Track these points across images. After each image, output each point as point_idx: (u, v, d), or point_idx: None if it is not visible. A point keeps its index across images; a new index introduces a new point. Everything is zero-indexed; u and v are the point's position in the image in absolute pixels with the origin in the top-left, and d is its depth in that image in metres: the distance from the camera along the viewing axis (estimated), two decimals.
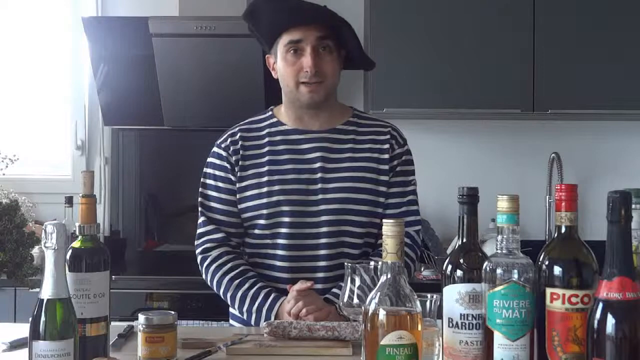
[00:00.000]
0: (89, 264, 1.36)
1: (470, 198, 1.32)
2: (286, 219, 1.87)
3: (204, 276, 1.94)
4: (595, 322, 1.13)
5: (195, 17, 3.08)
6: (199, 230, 1.95)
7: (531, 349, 1.24)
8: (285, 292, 1.82)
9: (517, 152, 3.48)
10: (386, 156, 1.92)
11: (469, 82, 3.13)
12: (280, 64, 1.89)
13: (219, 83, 3.16)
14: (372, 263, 1.49)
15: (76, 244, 1.38)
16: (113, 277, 2.46)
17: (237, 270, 1.87)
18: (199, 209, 1.97)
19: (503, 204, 1.27)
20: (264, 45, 1.95)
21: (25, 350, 1.27)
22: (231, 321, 2.00)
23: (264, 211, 1.87)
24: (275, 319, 1.78)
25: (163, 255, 3.45)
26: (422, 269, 3.06)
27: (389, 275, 1.19)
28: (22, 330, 1.44)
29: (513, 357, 1.23)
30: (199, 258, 1.94)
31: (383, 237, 1.20)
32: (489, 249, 1.47)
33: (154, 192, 3.50)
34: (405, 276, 1.20)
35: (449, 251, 2.33)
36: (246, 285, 1.85)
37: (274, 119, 1.97)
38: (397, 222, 1.19)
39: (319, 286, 1.83)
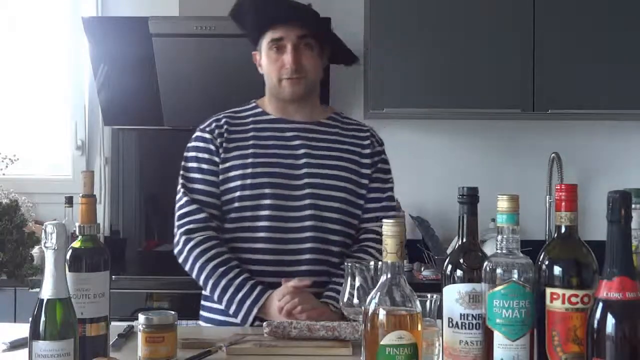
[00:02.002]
0: (89, 264, 1.36)
1: (470, 198, 1.32)
2: (268, 201, 1.88)
3: (182, 258, 1.91)
4: (595, 322, 1.13)
5: (195, 17, 3.08)
6: (181, 211, 1.93)
7: (531, 349, 1.24)
8: (275, 285, 1.82)
9: (517, 152, 3.48)
10: (368, 151, 1.99)
11: (469, 82, 3.13)
12: (264, 60, 1.96)
13: (219, 83, 3.16)
14: (372, 263, 1.49)
15: (76, 244, 1.38)
16: (113, 277, 2.46)
17: (221, 258, 1.86)
18: (181, 190, 1.95)
19: (503, 204, 1.27)
20: (251, 41, 2.01)
21: (25, 350, 1.27)
22: (201, 322, 1.98)
23: (247, 192, 1.89)
24: (259, 312, 1.79)
25: (163, 255, 3.44)
26: (422, 269, 3.06)
27: (389, 275, 1.19)
28: (22, 330, 1.44)
29: (513, 357, 1.23)
30: (182, 238, 1.90)
31: (383, 237, 1.20)
32: (489, 249, 1.47)
33: (154, 192, 3.50)
34: (405, 276, 1.21)
35: (449, 251, 2.32)
36: (231, 274, 1.84)
37: (259, 109, 2.01)
38: (397, 222, 1.19)
39: (303, 268, 1.85)
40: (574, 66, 3.12)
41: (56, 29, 3.54)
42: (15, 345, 1.52)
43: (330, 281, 1.88)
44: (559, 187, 1.27)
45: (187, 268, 1.91)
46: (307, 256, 1.87)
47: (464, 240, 1.33)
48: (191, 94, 3.22)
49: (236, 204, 1.90)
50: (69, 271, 1.33)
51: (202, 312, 1.99)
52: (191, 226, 1.90)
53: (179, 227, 1.92)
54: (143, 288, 2.89)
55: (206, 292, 1.91)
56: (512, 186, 3.21)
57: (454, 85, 3.13)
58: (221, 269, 1.85)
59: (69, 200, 3.07)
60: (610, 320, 1.11)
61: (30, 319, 1.24)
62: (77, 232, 1.39)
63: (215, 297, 1.86)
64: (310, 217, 1.89)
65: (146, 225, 3.52)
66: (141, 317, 1.41)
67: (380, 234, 1.90)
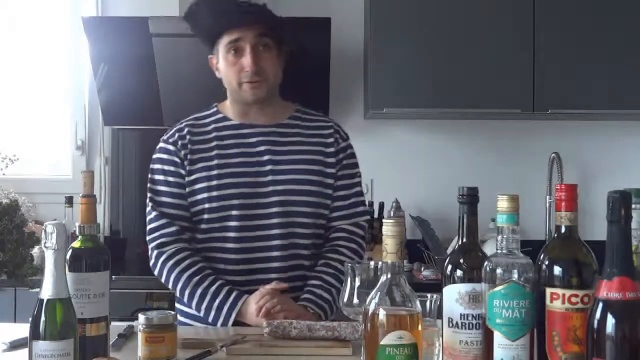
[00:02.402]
0: (89, 264, 1.36)
1: (470, 198, 1.32)
2: (235, 212, 1.87)
3: (157, 271, 1.92)
4: (595, 322, 1.13)
5: None
6: (151, 225, 1.95)
7: (531, 349, 1.24)
8: (250, 293, 1.82)
9: (517, 152, 3.48)
10: (332, 149, 1.97)
11: (469, 82, 3.13)
12: (222, 64, 1.94)
13: (219, 83, 3.15)
14: (372, 263, 1.49)
15: (76, 244, 1.38)
16: (113, 277, 2.46)
17: (195, 267, 1.86)
18: (149, 204, 1.97)
19: (503, 204, 1.27)
20: (206, 45, 1.99)
21: (25, 350, 1.27)
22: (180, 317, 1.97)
23: (214, 204, 1.88)
24: (237, 316, 1.79)
25: None
26: (422, 269, 3.06)
27: (389, 275, 1.19)
28: (22, 330, 1.44)
29: (513, 357, 1.23)
30: (154, 253, 1.92)
31: (383, 237, 1.20)
32: (489, 249, 1.47)
33: None
34: (405, 276, 1.21)
35: (449, 251, 2.32)
36: (206, 283, 1.84)
37: (220, 115, 2.00)
38: (397, 222, 1.20)
39: (273, 276, 1.85)
40: (574, 66, 3.12)
41: (56, 29, 3.55)
42: (15, 345, 1.52)
43: (305, 284, 1.88)
44: (559, 187, 1.27)
45: (163, 281, 1.92)
46: (277, 264, 1.87)
47: (464, 240, 1.32)
48: (191, 94, 3.21)
49: (204, 216, 1.89)
50: (69, 271, 1.33)
51: (178, 305, 1.98)
52: (162, 240, 1.91)
53: (150, 241, 1.94)
54: (143, 288, 2.89)
55: (183, 300, 1.89)
56: (512, 186, 3.21)
57: (453, 85, 3.14)
58: (196, 279, 1.85)
59: (69, 200, 3.07)
60: (610, 320, 1.11)
61: (30, 319, 1.23)
62: (77, 232, 1.39)
63: (193, 306, 1.86)
64: (278, 224, 1.87)
65: (146, 225, 3.51)
66: (141, 317, 1.41)
67: (349, 232, 1.92)
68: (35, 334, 1.22)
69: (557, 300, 1.23)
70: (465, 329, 1.28)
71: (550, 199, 3.37)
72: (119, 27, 3.19)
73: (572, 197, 1.26)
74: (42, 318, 1.22)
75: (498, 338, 1.23)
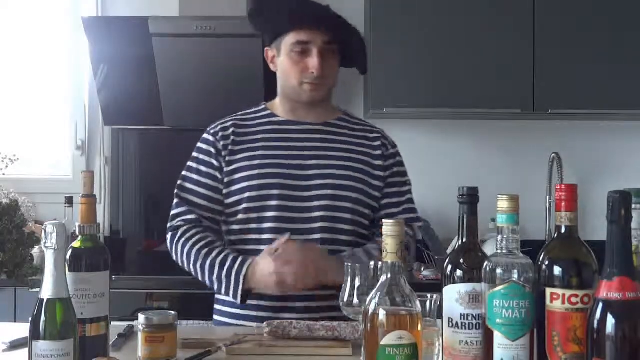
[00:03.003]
0: (89, 264, 1.36)
1: (470, 198, 1.32)
2: (274, 203, 1.86)
3: (173, 255, 1.92)
4: (595, 322, 1.13)
5: (195, 17, 3.08)
6: (172, 212, 1.94)
7: (531, 349, 1.24)
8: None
9: (517, 152, 3.48)
10: (378, 152, 1.97)
11: (469, 82, 3.13)
12: (284, 60, 1.91)
13: (219, 83, 3.16)
14: (372, 263, 1.49)
15: (76, 244, 1.38)
16: (113, 277, 2.46)
17: (205, 241, 1.86)
18: (175, 191, 1.96)
19: (503, 204, 1.27)
20: (265, 37, 1.98)
21: (25, 350, 1.27)
22: (216, 317, 1.98)
23: (254, 193, 1.87)
24: (247, 283, 1.77)
25: (163, 255, 3.42)
26: (422, 269, 3.06)
27: (389, 275, 1.19)
28: (22, 330, 1.44)
29: (513, 357, 1.23)
30: (168, 236, 1.92)
31: (383, 237, 1.20)
32: (489, 249, 1.47)
33: (154, 192, 3.50)
34: (405, 276, 1.20)
35: (449, 251, 2.33)
36: (214, 253, 1.84)
37: (268, 111, 2.00)
38: (397, 222, 1.19)
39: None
40: (574, 66, 3.12)
41: (56, 29, 3.55)
42: (15, 345, 1.52)
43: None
44: (559, 187, 1.27)
45: (179, 263, 1.91)
46: None
47: (464, 240, 1.33)
48: (191, 94, 3.22)
49: (242, 205, 1.88)
50: (69, 271, 1.33)
51: (215, 316, 1.98)
52: (178, 224, 1.91)
53: (169, 227, 1.94)
54: (143, 288, 2.89)
55: (200, 279, 1.88)
56: (512, 186, 3.20)
57: (453, 85, 3.13)
58: (204, 251, 1.85)
59: (69, 200, 3.07)
60: (610, 320, 1.11)
61: (30, 319, 1.23)
62: (77, 232, 1.39)
63: (206, 281, 1.85)
64: (320, 218, 1.86)
65: (146, 225, 3.52)
66: (141, 317, 1.41)
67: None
68: (35, 334, 1.22)
69: (557, 300, 1.23)
70: (465, 329, 1.28)
71: (550, 199, 3.37)
72: (119, 27, 3.19)
73: (572, 197, 1.26)
74: (42, 318, 1.22)
75: (498, 338, 1.23)
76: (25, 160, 3.34)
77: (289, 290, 1.75)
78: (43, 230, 1.24)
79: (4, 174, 3.15)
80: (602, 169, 3.44)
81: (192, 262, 1.87)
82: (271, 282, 1.74)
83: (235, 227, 1.92)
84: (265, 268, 1.75)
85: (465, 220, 1.32)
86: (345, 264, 1.53)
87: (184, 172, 1.97)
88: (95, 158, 3.50)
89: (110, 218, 3.47)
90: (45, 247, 1.24)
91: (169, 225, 1.94)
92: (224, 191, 1.91)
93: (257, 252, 1.83)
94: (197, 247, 1.86)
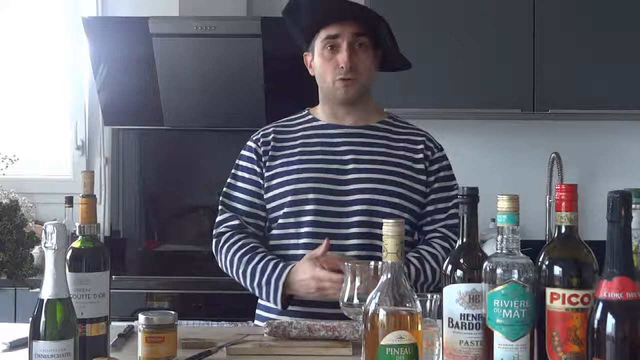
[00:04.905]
0: (89, 264, 1.36)
1: (470, 198, 1.32)
2: (310, 207, 1.85)
3: (218, 262, 1.92)
4: (595, 322, 1.13)
5: (195, 17, 3.09)
6: (217, 219, 1.95)
7: (531, 349, 1.24)
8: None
9: (517, 152, 3.48)
10: (420, 156, 1.93)
11: (469, 82, 3.13)
12: (317, 60, 1.91)
13: (219, 83, 3.16)
14: (372, 263, 1.49)
15: (76, 244, 1.38)
16: (113, 277, 2.46)
17: (247, 247, 1.86)
18: (220, 198, 1.97)
19: (503, 204, 1.27)
20: (301, 42, 1.97)
21: (25, 350, 1.27)
22: (256, 321, 1.96)
23: (290, 198, 1.86)
24: (286, 288, 1.76)
25: (163, 255, 3.45)
26: None
27: (389, 275, 1.19)
28: (22, 330, 1.44)
29: (513, 357, 1.23)
30: (213, 244, 1.93)
31: (383, 237, 1.20)
32: (489, 249, 1.47)
33: (154, 192, 3.50)
34: (405, 276, 1.21)
35: None
36: (256, 260, 1.83)
37: (309, 116, 2.00)
38: (397, 222, 1.19)
39: None
40: (574, 66, 3.12)
41: (56, 29, 3.55)
42: (15, 345, 1.52)
43: None
44: (559, 187, 1.27)
45: (224, 270, 1.91)
46: None
47: (464, 240, 1.33)
48: (191, 94, 3.22)
49: (281, 211, 1.88)
50: (69, 271, 1.33)
51: (256, 321, 1.96)
52: (222, 230, 1.92)
53: (214, 234, 1.94)
54: (143, 288, 2.90)
55: (243, 285, 1.88)
56: (512, 186, 3.19)
57: (454, 85, 3.13)
58: (246, 257, 1.85)
59: (69, 200, 3.07)
60: (610, 320, 1.11)
61: (30, 319, 1.23)
62: (77, 232, 1.39)
63: (249, 287, 1.85)
64: (357, 223, 1.84)
65: (146, 225, 3.52)
66: (141, 317, 1.41)
67: (444, 233, 1.87)
68: (35, 334, 1.22)
69: (557, 300, 1.23)
70: (466, 329, 1.28)
71: (550, 199, 3.37)
72: (119, 27, 3.19)
73: (572, 197, 1.26)
74: (42, 318, 1.22)
75: (498, 338, 1.23)
76: (25, 160, 3.34)
77: (330, 296, 1.70)
78: (43, 230, 1.24)
79: (4, 174, 3.15)
80: (602, 169, 3.44)
81: (234, 269, 1.87)
82: (312, 287, 1.72)
83: (275, 232, 1.92)
84: (305, 272, 1.74)
85: (465, 220, 1.32)
86: (345, 263, 1.53)
87: (228, 180, 1.98)
88: (95, 158, 3.50)
89: (110, 218, 3.47)
90: (45, 247, 1.24)
91: (214, 232, 1.94)
92: (265, 196, 1.91)
93: (296, 257, 1.83)
94: (239, 253, 1.86)
